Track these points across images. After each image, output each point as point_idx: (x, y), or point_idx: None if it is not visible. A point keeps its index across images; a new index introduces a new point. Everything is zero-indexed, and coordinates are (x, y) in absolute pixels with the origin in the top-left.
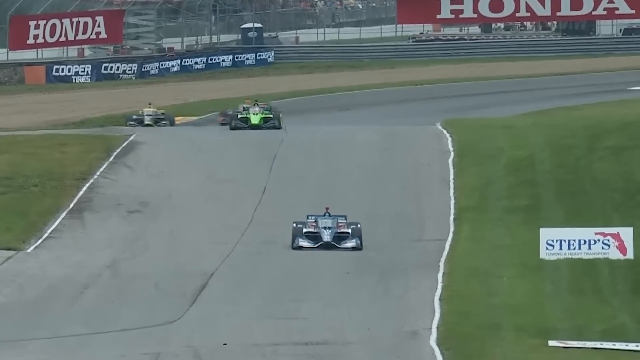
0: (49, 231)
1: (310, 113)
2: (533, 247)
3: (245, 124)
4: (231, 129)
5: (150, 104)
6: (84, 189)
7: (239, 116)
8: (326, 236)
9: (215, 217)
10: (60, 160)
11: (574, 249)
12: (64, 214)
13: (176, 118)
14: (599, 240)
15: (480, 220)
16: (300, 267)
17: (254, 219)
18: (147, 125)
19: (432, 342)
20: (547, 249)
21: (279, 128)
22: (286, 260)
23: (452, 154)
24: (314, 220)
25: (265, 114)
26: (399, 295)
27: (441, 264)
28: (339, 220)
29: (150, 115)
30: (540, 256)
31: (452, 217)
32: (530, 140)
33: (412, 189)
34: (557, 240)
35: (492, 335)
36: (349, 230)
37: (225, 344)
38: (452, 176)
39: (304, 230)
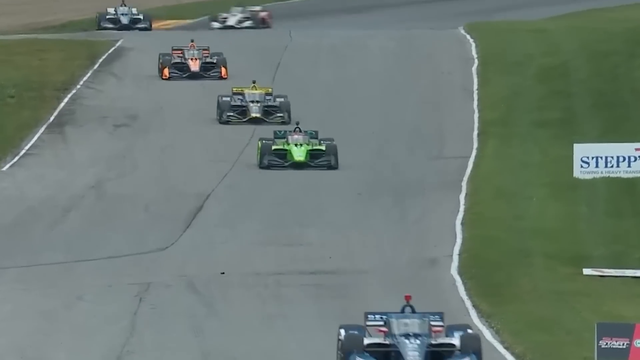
0: (26, 147)
1: (317, 17)
2: (566, 165)
3: (283, 160)
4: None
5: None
6: (66, 100)
7: (272, 147)
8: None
9: (212, 131)
10: (39, 69)
11: (612, 166)
12: (43, 129)
13: (166, 22)
14: (639, 157)
15: (506, 136)
16: (306, 187)
17: (255, 133)
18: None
19: (453, 270)
20: (581, 166)
21: (336, 167)
22: (291, 180)
23: (475, 61)
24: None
25: (314, 145)
26: (416, 219)
27: (463, 184)
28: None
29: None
30: (574, 175)
31: (475, 132)
32: (562, 46)
33: (431, 100)
34: (592, 157)
35: (520, 263)
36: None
37: (223, 273)
38: (475, 86)
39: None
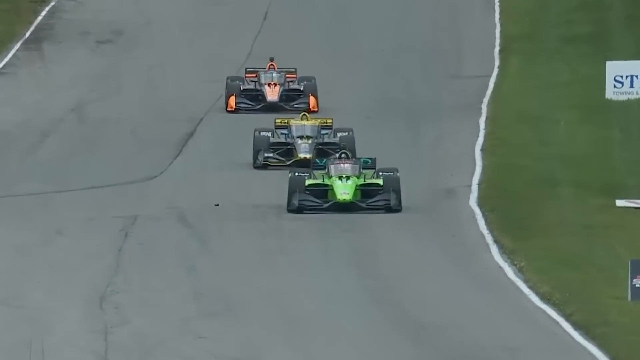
0: (0, 66)
1: None
2: (597, 85)
3: (322, 200)
4: (255, 166)
5: None
6: (43, 13)
7: (306, 182)
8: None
9: (205, 49)
10: None
11: None
12: (18, 45)
13: None
14: None
15: (531, 52)
16: None
17: (253, 51)
18: None
19: (472, 202)
20: (614, 86)
21: (399, 209)
22: None
23: None
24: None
25: (366, 177)
26: (431, 144)
27: (483, 106)
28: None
29: None
30: (606, 96)
31: (497, 49)
32: None
33: (448, 12)
34: (627, 77)
35: (546, 193)
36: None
37: (217, 205)
38: None
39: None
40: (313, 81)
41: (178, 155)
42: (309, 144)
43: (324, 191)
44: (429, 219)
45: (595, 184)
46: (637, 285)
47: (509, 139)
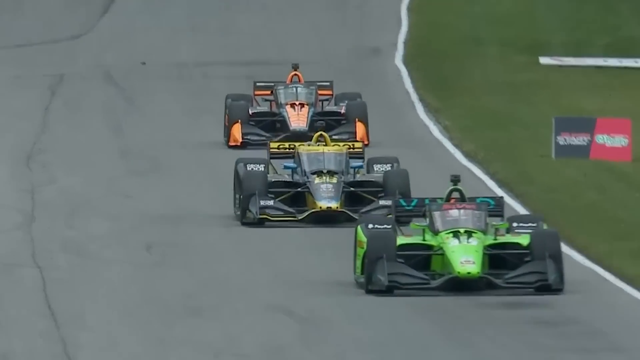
0: None
1: None
2: None
3: (424, 273)
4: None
5: None
6: None
7: (398, 241)
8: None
9: None
10: None
11: None
12: None
13: None
14: None
15: None
16: None
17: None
18: None
19: (398, 60)
20: None
21: (560, 289)
22: None
23: None
24: None
25: (497, 233)
26: (357, 4)
27: None
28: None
29: None
30: None
31: None
32: None
33: None
34: None
35: (472, 51)
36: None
37: (144, 64)
38: None
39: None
40: (359, 100)
41: (105, 13)
42: (333, 184)
43: (426, 259)
44: (355, 77)
45: (519, 42)
46: (560, 143)
47: None
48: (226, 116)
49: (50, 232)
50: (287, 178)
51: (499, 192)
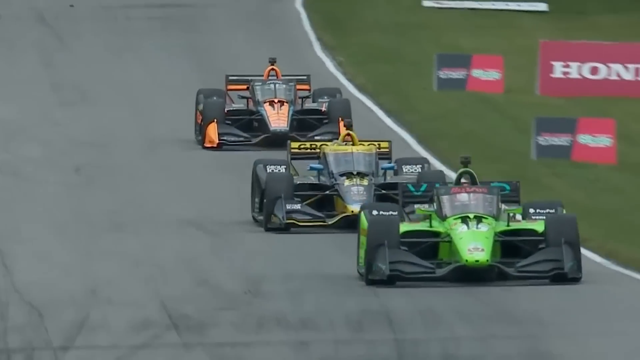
0: None
1: None
2: None
3: (431, 261)
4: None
5: None
6: None
7: (404, 226)
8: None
9: None
10: None
11: None
12: None
13: None
14: None
15: None
16: None
17: None
18: None
19: (298, 4)
20: None
21: (578, 278)
22: None
23: None
24: None
25: (510, 218)
26: None
27: None
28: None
29: None
30: None
31: None
32: None
33: None
34: None
35: None
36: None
37: (72, 6)
38: None
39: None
40: (338, 96)
41: None
42: (364, 186)
43: (434, 246)
44: (259, 19)
45: None
46: (441, 77)
47: None
48: (197, 113)
49: None
50: (313, 180)
51: (387, 120)
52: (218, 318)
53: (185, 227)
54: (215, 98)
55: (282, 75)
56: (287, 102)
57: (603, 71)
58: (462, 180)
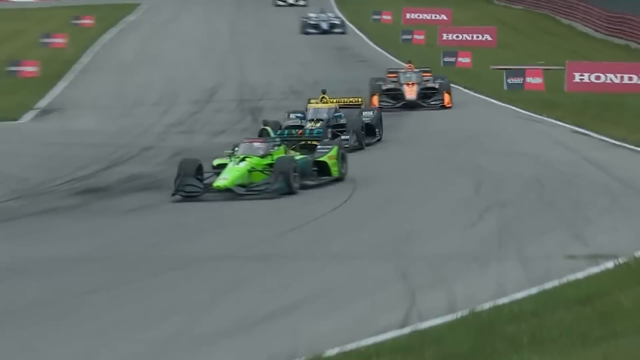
0: None
1: None
2: None
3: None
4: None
5: None
6: None
7: (383, 87)
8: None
9: None
10: None
11: None
12: None
13: None
14: None
15: None
16: None
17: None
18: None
19: None
20: None
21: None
22: None
23: None
24: None
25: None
26: None
27: None
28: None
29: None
30: None
31: None
32: None
33: None
34: None
35: None
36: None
37: None
38: None
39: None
40: (446, 79)
41: None
42: (316, 128)
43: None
44: None
45: None
46: None
47: None
48: (369, 90)
49: None
50: (297, 123)
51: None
52: None
53: None
54: (379, 82)
55: (415, 68)
56: (416, 84)
57: (602, 78)
58: (263, 134)
